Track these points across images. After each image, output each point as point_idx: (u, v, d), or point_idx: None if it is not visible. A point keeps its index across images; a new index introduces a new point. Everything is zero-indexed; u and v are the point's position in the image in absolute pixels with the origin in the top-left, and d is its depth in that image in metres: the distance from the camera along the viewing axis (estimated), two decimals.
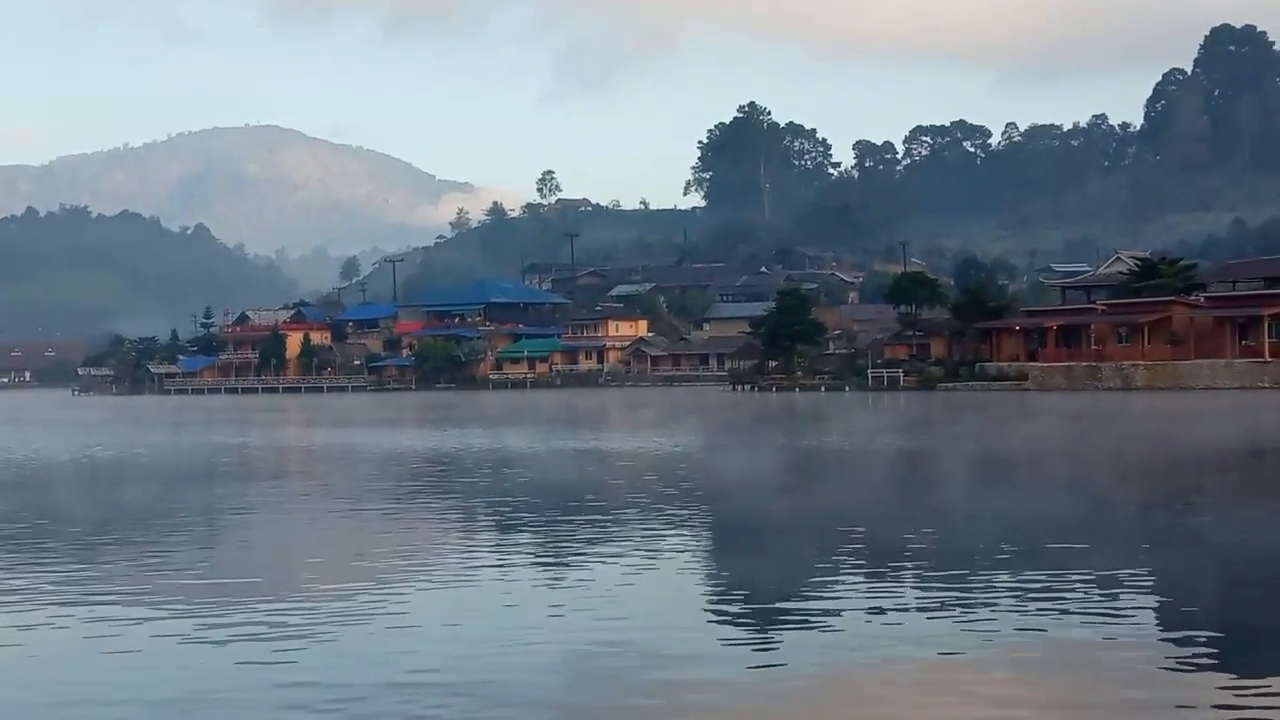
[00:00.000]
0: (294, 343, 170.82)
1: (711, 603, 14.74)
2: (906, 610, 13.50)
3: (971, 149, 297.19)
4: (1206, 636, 12.09)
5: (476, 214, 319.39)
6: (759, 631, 12.78)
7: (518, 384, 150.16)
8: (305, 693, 10.51)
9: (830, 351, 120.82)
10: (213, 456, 41.96)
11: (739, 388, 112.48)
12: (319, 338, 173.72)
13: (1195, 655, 11.30)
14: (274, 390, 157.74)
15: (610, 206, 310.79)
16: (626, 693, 10.45)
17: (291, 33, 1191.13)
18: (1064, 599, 13.86)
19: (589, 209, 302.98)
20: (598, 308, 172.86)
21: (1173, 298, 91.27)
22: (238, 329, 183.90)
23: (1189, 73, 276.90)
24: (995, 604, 13.73)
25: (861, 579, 15.65)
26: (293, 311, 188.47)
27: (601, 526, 20.67)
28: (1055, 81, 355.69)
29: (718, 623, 13.28)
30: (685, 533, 20.39)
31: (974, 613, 13.25)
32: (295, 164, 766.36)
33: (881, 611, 13.41)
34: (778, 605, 14.05)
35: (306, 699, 10.33)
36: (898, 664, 11.23)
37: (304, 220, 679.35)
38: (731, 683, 10.69)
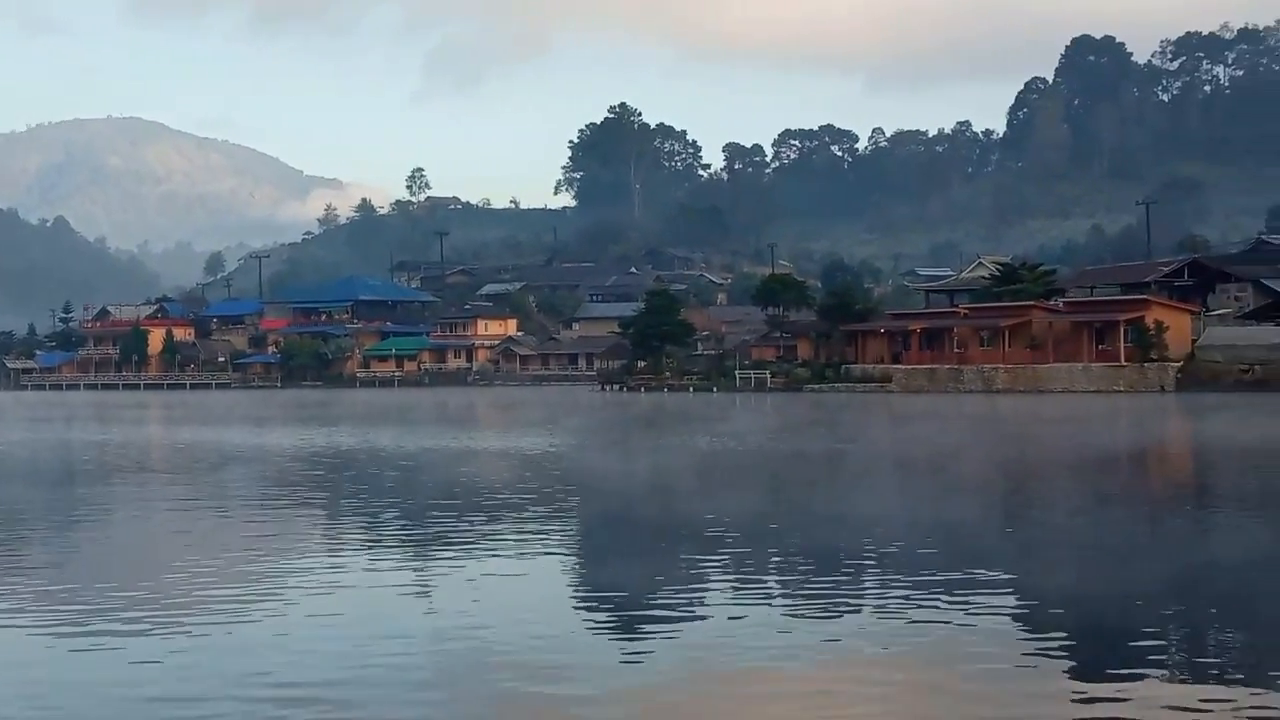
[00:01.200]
0: (156, 339, 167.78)
1: (581, 603, 14.79)
2: (772, 609, 13.67)
3: (839, 153, 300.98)
4: (1062, 633, 12.40)
5: (345, 211, 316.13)
6: (628, 631, 12.84)
7: (385, 382, 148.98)
8: (162, 708, 10.27)
9: (699, 352, 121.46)
10: (72, 454, 41.14)
11: (608, 388, 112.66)
12: (182, 334, 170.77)
13: (1050, 650, 11.58)
14: (135, 387, 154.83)
15: (480, 205, 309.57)
16: (496, 695, 10.46)
17: (158, 25, 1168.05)
18: (925, 597, 14.10)
19: (459, 207, 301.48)
20: (467, 306, 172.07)
21: (1032, 302, 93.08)
22: (98, 324, 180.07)
23: (1050, 82, 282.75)
24: (859, 603, 13.95)
25: (730, 579, 15.79)
26: (155, 307, 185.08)
27: (471, 527, 20.62)
28: (922, 88, 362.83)
29: (587, 623, 13.35)
30: (555, 534, 20.43)
31: (837, 611, 13.45)
32: (159, 157, 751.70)
33: (748, 611, 13.56)
34: (647, 605, 14.12)
35: (164, 714, 10.13)
36: (764, 662, 11.36)
37: (168, 215, 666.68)
38: (600, 683, 10.73)
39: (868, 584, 15.24)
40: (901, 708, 10.02)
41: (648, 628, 12.82)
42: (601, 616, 13.51)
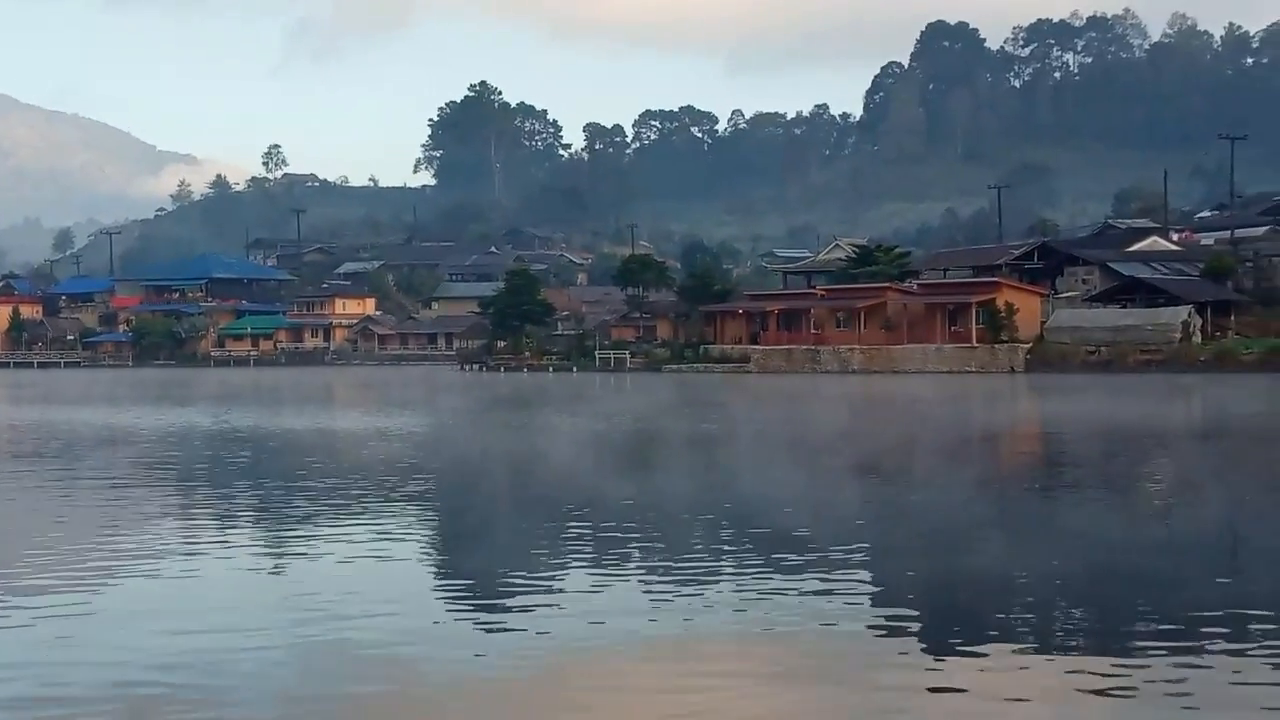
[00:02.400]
0: (2, 316, 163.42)
1: (440, 590, 14.77)
2: (633, 593, 13.78)
3: (699, 134, 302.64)
4: (919, 612, 12.67)
5: (199, 187, 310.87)
6: (487, 614, 12.84)
7: (241, 361, 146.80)
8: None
9: (559, 332, 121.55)
10: None
11: (467, 367, 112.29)
12: (29, 311, 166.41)
13: (906, 629, 11.85)
14: None
15: (338, 183, 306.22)
16: (354, 680, 10.43)
17: None
18: (786, 579, 14.32)
19: (316, 184, 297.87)
20: (324, 285, 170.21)
21: (888, 284, 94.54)
22: None
23: (906, 67, 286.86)
24: (720, 585, 14.13)
25: (592, 563, 15.89)
26: (1, 284, 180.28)
27: (329, 510, 20.46)
28: (781, 71, 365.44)
29: (447, 606, 13.33)
30: (414, 515, 20.35)
31: (696, 591, 13.61)
32: (6, 130, 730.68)
33: (609, 596, 13.66)
34: (506, 587, 14.16)
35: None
36: (623, 649, 11.45)
37: (15, 190, 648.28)
38: (459, 667, 10.75)
39: (729, 566, 15.42)
40: (759, 692, 10.19)
41: (506, 615, 12.84)
42: (461, 603, 13.52)
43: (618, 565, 15.53)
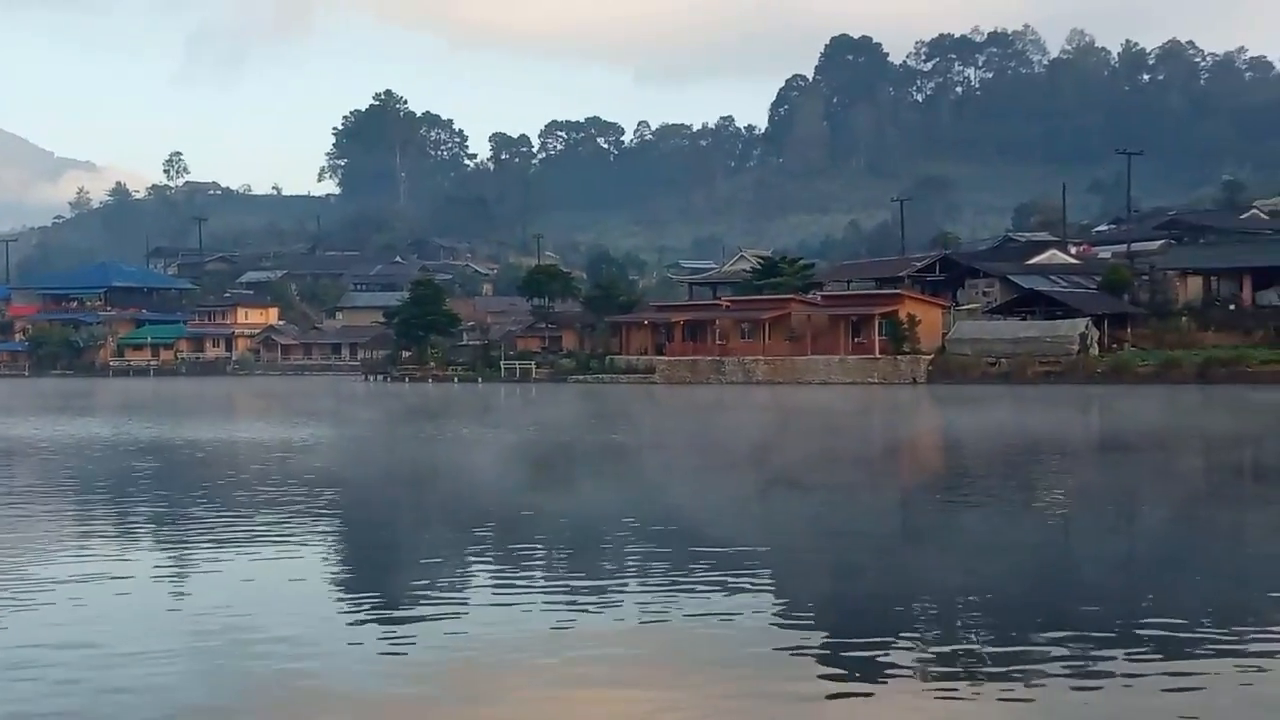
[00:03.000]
0: None
1: (344, 599, 14.71)
2: (533, 602, 13.83)
3: (605, 145, 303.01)
4: (815, 620, 12.83)
5: (99, 194, 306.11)
6: (389, 625, 12.80)
7: (140, 371, 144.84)
8: None
9: (464, 342, 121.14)
10: None
11: (372, 378, 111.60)
12: None
13: (804, 634, 12.02)
14: None
15: (241, 191, 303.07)
16: (255, 696, 10.39)
17: None
18: (689, 585, 14.40)
19: (218, 193, 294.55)
20: (226, 294, 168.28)
21: (792, 296, 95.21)
22: None
23: (810, 80, 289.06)
24: (621, 592, 14.21)
25: (495, 574, 15.90)
26: None
27: (231, 522, 20.29)
28: (687, 83, 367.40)
29: (350, 620, 13.28)
30: (318, 528, 20.24)
31: (601, 602, 13.68)
32: None
33: (513, 603, 13.72)
34: (407, 598, 14.16)
35: None
36: (524, 654, 11.51)
37: None
38: (363, 681, 10.74)
39: (635, 576, 15.51)
40: (653, 700, 10.28)
41: (412, 626, 12.83)
42: (365, 616, 13.47)
43: (523, 578, 15.55)
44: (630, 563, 16.28)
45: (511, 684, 10.66)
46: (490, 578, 15.50)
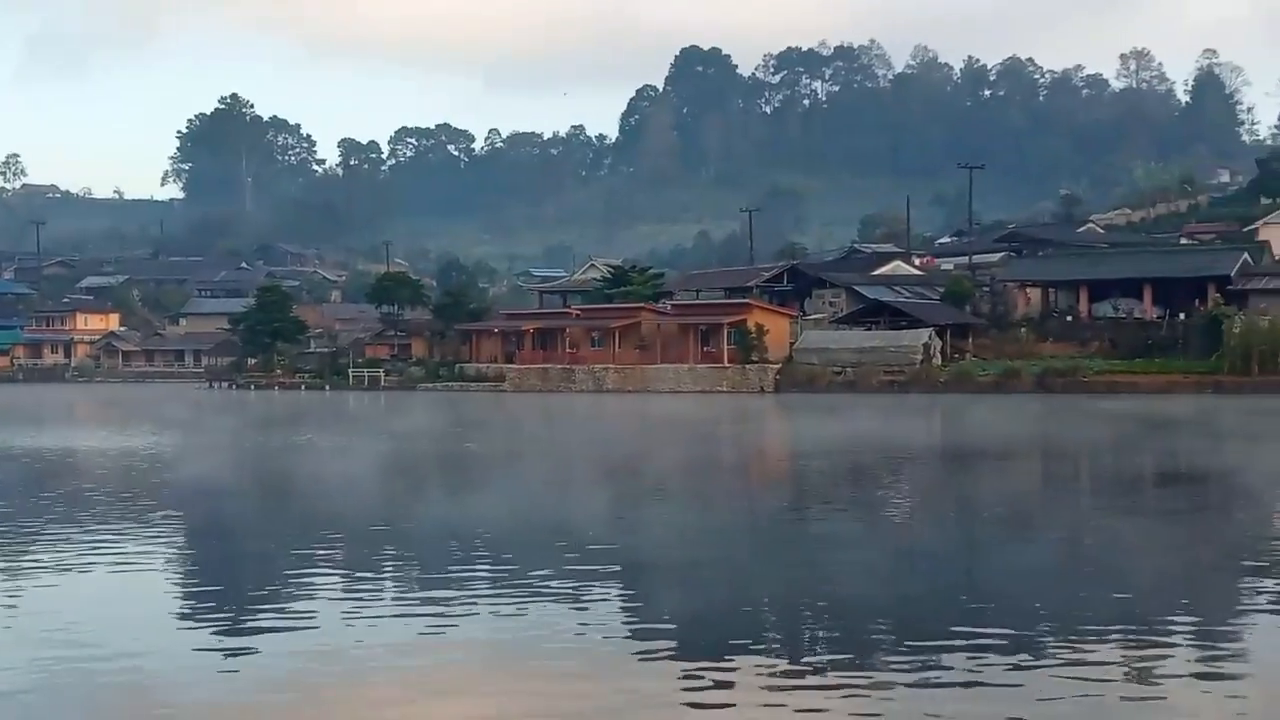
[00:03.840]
0: None
1: (188, 609, 14.54)
2: (380, 611, 13.80)
3: (456, 152, 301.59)
4: (668, 624, 13.00)
5: None
6: (235, 636, 12.70)
7: None
8: None
9: (311, 350, 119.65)
10: None
11: (216, 385, 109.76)
12: None
13: (658, 640, 12.16)
14: None
15: (81, 194, 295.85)
16: (98, 707, 10.25)
17: None
18: (538, 594, 14.50)
19: (58, 196, 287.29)
20: (65, 300, 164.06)
21: (642, 305, 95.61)
22: None
23: (660, 90, 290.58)
24: (472, 601, 14.24)
25: (341, 581, 15.84)
26: None
27: (72, 532, 19.92)
28: (538, 91, 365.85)
29: (194, 630, 13.13)
30: (160, 537, 19.92)
31: (452, 611, 13.70)
32: None
33: (359, 612, 13.68)
34: (254, 609, 14.04)
35: None
36: (374, 663, 11.49)
37: None
38: (206, 690, 10.66)
39: (484, 582, 15.54)
40: (505, 707, 10.33)
41: (255, 637, 12.73)
42: (208, 626, 13.34)
43: (373, 588, 15.50)
44: (481, 571, 16.30)
45: (361, 693, 10.64)
46: (340, 587, 15.43)
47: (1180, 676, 11.01)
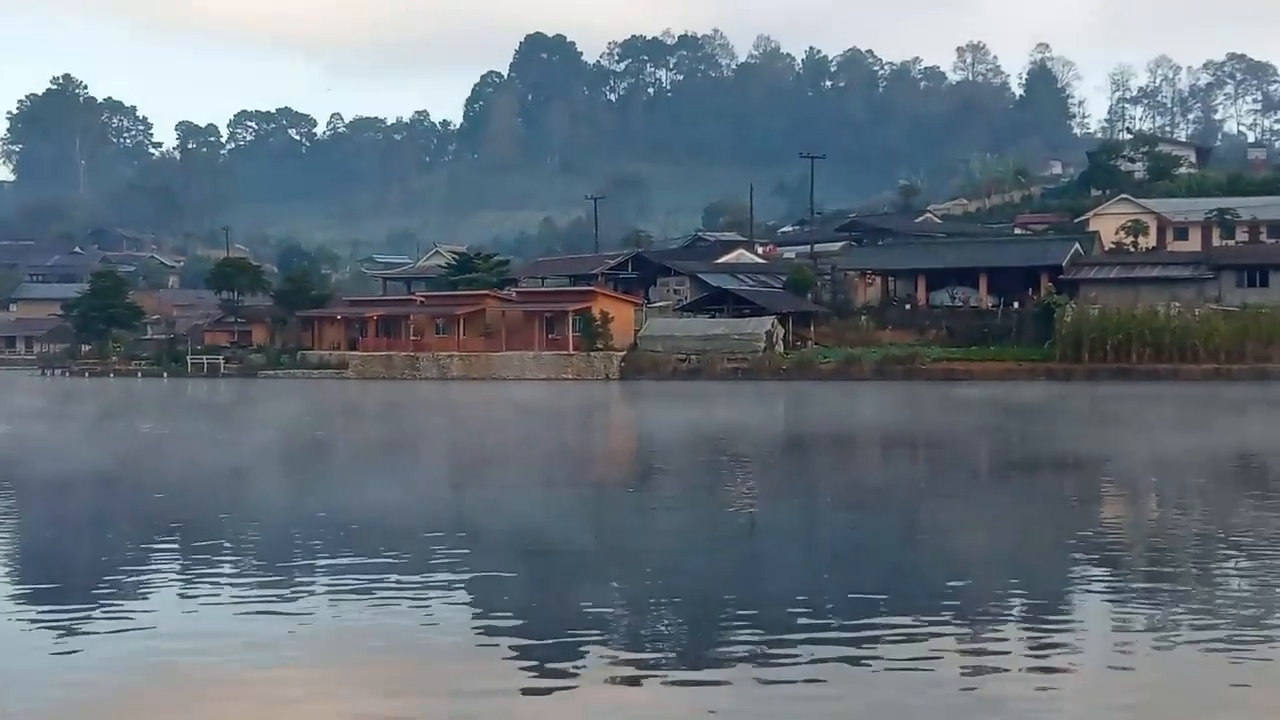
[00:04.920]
0: None
1: (14, 608, 14.23)
2: (222, 609, 13.65)
3: (297, 137, 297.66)
4: (509, 615, 13.05)
5: None
6: (63, 625, 12.49)
7: None
8: None
9: (148, 336, 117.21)
10: None
11: (49, 372, 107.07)
12: None
13: (498, 633, 12.23)
14: None
15: None
16: None
17: None
18: (381, 584, 14.46)
19: None
20: None
21: (487, 292, 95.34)
22: None
23: (505, 77, 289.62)
24: (312, 594, 14.15)
25: (178, 576, 15.62)
26: None
27: None
28: (382, 76, 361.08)
29: (22, 630, 12.84)
30: None
31: (293, 605, 13.60)
32: None
33: (199, 610, 13.51)
34: (86, 598, 13.80)
35: None
36: (211, 659, 11.37)
37: None
38: (34, 692, 10.47)
39: (324, 576, 15.45)
40: (348, 699, 10.31)
41: (86, 638, 12.48)
42: (39, 627, 13.05)
43: (211, 582, 15.31)
44: (323, 564, 16.20)
45: (198, 691, 10.52)
46: (178, 583, 15.21)
47: (1012, 654, 11.35)
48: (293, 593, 14.17)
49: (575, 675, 10.81)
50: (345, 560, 16.27)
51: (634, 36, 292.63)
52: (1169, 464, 28.07)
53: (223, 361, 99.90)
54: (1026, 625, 12.77)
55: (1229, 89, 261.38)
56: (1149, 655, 11.44)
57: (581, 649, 11.64)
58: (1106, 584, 15.00)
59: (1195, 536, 18.35)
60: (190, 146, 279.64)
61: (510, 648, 11.75)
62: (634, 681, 10.64)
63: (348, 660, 11.45)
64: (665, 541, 18.37)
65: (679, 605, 13.81)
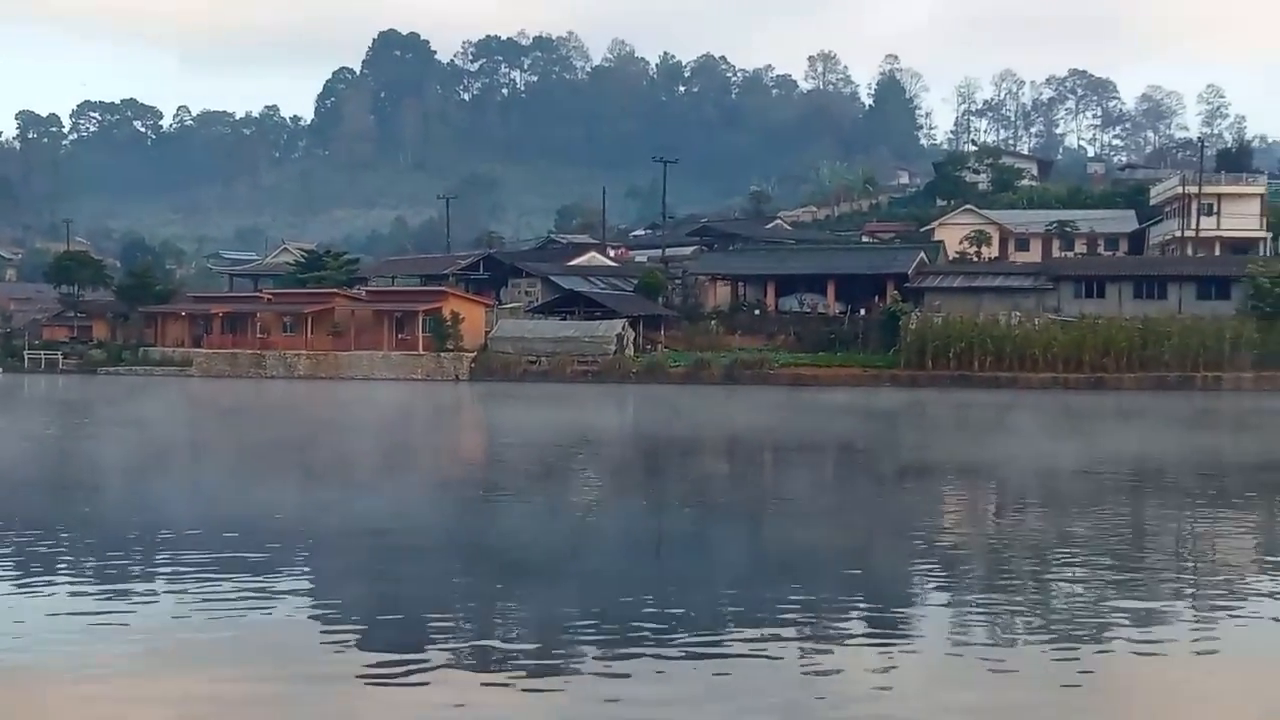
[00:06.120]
0: None
1: None
2: (51, 606, 13.42)
3: (143, 129, 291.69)
4: (351, 610, 13.01)
5: None
6: None
7: None
8: None
9: None
10: None
11: None
12: None
13: (340, 625, 12.18)
14: None
15: None
16: None
17: None
18: (224, 579, 14.30)
19: None
20: None
21: (336, 290, 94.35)
22: None
23: (358, 73, 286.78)
24: (151, 589, 13.97)
25: (16, 577, 15.32)
26: None
27: None
28: (233, 69, 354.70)
29: None
30: None
31: (131, 600, 13.41)
32: None
33: (34, 605, 13.29)
34: None
35: None
36: (46, 652, 11.20)
37: None
38: None
39: (164, 571, 15.24)
40: (188, 689, 10.22)
41: None
42: None
43: (46, 578, 15.03)
44: (162, 560, 15.97)
45: (35, 685, 10.37)
46: (11, 579, 14.91)
47: (852, 651, 11.58)
48: (128, 593, 13.96)
49: (416, 669, 10.80)
50: (183, 556, 16.02)
51: (489, 36, 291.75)
52: (1045, 471, 28.78)
53: (61, 357, 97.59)
54: (870, 625, 13.02)
55: (1070, 104, 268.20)
56: (985, 657, 11.73)
57: (426, 643, 11.63)
58: (948, 586, 15.35)
59: (1043, 540, 18.84)
60: (31, 136, 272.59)
61: (354, 643, 11.71)
62: (475, 673, 10.68)
63: (181, 657, 11.31)
64: (511, 539, 18.37)
65: (521, 603, 13.86)
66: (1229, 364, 69.03)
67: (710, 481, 27.56)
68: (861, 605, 14.10)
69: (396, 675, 10.68)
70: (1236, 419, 49.55)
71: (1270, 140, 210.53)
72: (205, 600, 13.45)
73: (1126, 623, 12.84)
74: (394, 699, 10.10)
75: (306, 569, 15.79)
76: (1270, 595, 14.46)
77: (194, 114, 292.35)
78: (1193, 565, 17.50)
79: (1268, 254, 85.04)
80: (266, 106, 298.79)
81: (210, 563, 15.61)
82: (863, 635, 12.46)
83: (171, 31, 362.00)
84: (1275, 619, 13.24)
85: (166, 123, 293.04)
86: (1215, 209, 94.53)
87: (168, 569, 15.44)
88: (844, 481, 28.17)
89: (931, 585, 15.38)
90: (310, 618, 12.97)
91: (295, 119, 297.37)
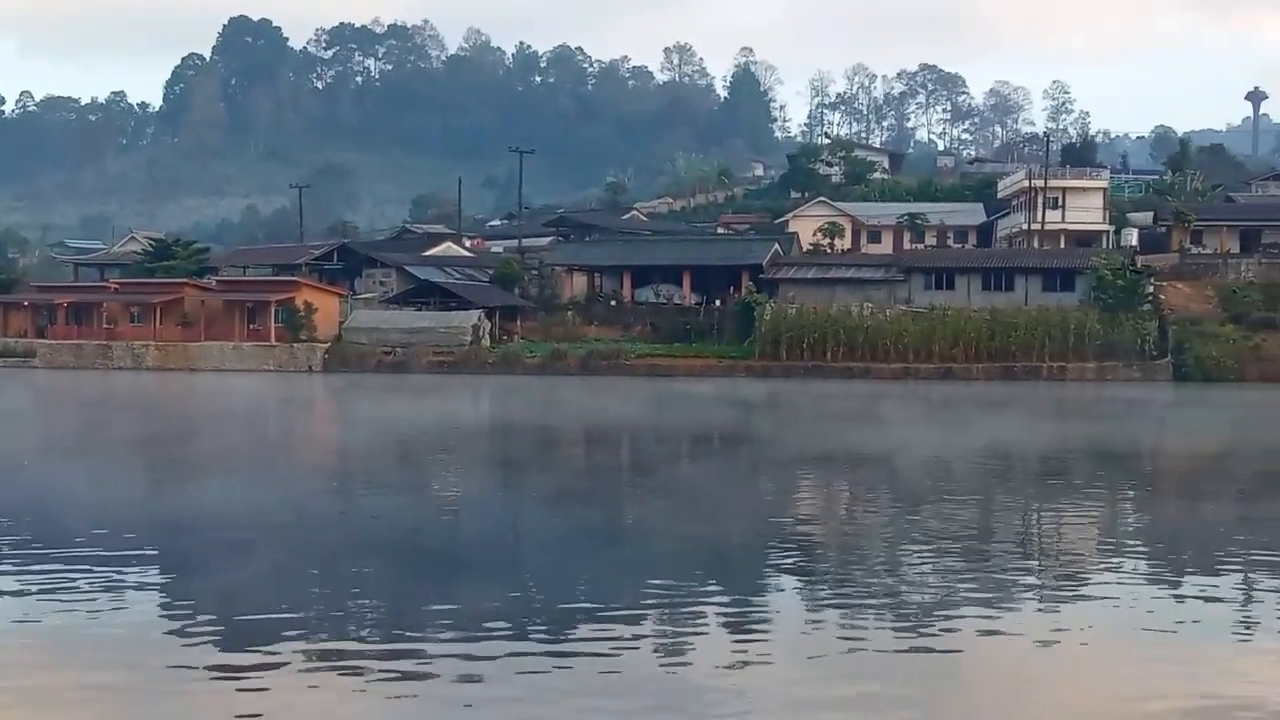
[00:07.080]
0: None
1: None
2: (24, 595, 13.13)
3: None
4: (206, 605, 12.83)
5: None
6: None
7: None
8: None
9: None
10: None
11: None
12: None
13: (194, 620, 12.01)
14: None
15: None
16: None
17: None
18: (72, 576, 14.04)
19: None
20: None
21: (185, 280, 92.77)
22: None
23: (207, 59, 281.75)
24: (79, 590, 13.70)
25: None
26: None
27: None
28: (79, 54, 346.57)
29: None
30: None
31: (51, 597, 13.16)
32: None
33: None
34: None
35: None
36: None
37: None
38: None
39: (9, 572, 14.93)
40: (39, 686, 10.04)
41: None
42: None
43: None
44: (7, 559, 15.63)
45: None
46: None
47: (707, 646, 11.68)
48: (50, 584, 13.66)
49: (272, 664, 10.70)
50: (31, 553, 15.70)
51: (342, 24, 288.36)
52: (924, 461, 29.22)
53: None
54: (724, 618, 13.14)
55: (921, 98, 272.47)
56: (841, 647, 11.91)
57: (282, 635, 11.52)
58: (803, 576, 15.56)
59: (898, 530, 19.16)
60: None
61: (205, 634, 11.57)
62: (331, 669, 10.62)
63: (37, 651, 11.09)
64: (366, 533, 18.25)
65: (378, 596, 13.80)
66: (1073, 354, 70.81)
67: (573, 473, 27.59)
68: (719, 598, 14.23)
69: (249, 668, 10.57)
70: (1080, 407, 50.88)
71: (1113, 135, 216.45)
72: (52, 596, 13.18)
73: (975, 608, 13.12)
74: (232, 686, 10.00)
75: (156, 567, 15.53)
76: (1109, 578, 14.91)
77: (37, 100, 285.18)
78: (1038, 551, 17.95)
79: (1110, 246, 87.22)
80: (113, 93, 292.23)
81: (54, 561, 15.30)
82: (720, 628, 12.57)
83: (11, 15, 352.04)
84: (1113, 599, 13.65)
85: (9, 109, 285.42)
86: (1060, 202, 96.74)
87: (13, 567, 15.09)
88: (710, 473, 28.37)
89: (785, 574, 15.56)
90: (160, 616, 12.77)
91: (143, 105, 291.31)
